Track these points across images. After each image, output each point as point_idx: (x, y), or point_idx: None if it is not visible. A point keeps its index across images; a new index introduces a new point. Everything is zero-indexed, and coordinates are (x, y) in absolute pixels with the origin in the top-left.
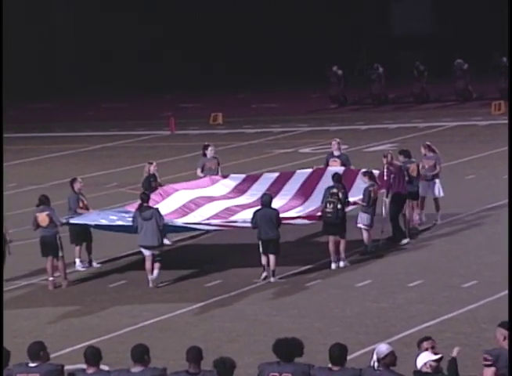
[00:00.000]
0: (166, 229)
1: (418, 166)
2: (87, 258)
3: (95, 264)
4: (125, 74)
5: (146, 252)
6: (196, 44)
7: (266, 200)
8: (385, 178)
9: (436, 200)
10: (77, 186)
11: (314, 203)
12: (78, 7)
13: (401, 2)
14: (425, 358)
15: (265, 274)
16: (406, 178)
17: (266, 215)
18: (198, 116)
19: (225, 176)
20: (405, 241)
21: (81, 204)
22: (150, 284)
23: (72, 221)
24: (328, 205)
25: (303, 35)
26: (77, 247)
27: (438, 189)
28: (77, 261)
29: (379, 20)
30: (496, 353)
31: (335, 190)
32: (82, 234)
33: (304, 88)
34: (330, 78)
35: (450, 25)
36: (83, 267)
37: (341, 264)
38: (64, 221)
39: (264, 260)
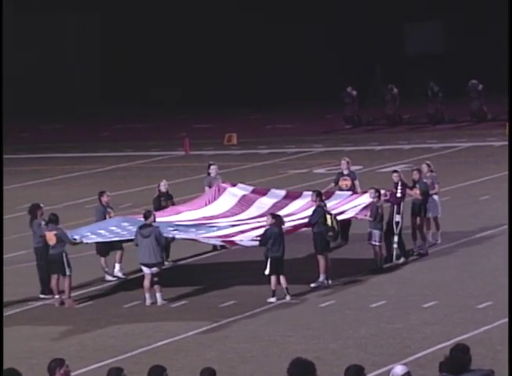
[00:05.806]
0: (166, 229)
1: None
2: (115, 267)
3: (120, 274)
4: (139, 94)
5: (146, 270)
6: (210, 65)
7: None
8: (398, 195)
9: (436, 219)
10: (104, 199)
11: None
12: (89, 28)
13: (413, 22)
14: None
15: (274, 299)
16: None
17: (277, 234)
18: (212, 136)
19: (233, 185)
20: (402, 260)
21: (107, 217)
22: (147, 303)
23: (85, 240)
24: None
25: (317, 56)
26: (103, 258)
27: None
28: (117, 266)
29: (392, 41)
30: None
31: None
32: (107, 245)
33: (318, 108)
34: (345, 99)
35: (463, 45)
36: (122, 274)
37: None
38: (77, 240)
39: (274, 282)
